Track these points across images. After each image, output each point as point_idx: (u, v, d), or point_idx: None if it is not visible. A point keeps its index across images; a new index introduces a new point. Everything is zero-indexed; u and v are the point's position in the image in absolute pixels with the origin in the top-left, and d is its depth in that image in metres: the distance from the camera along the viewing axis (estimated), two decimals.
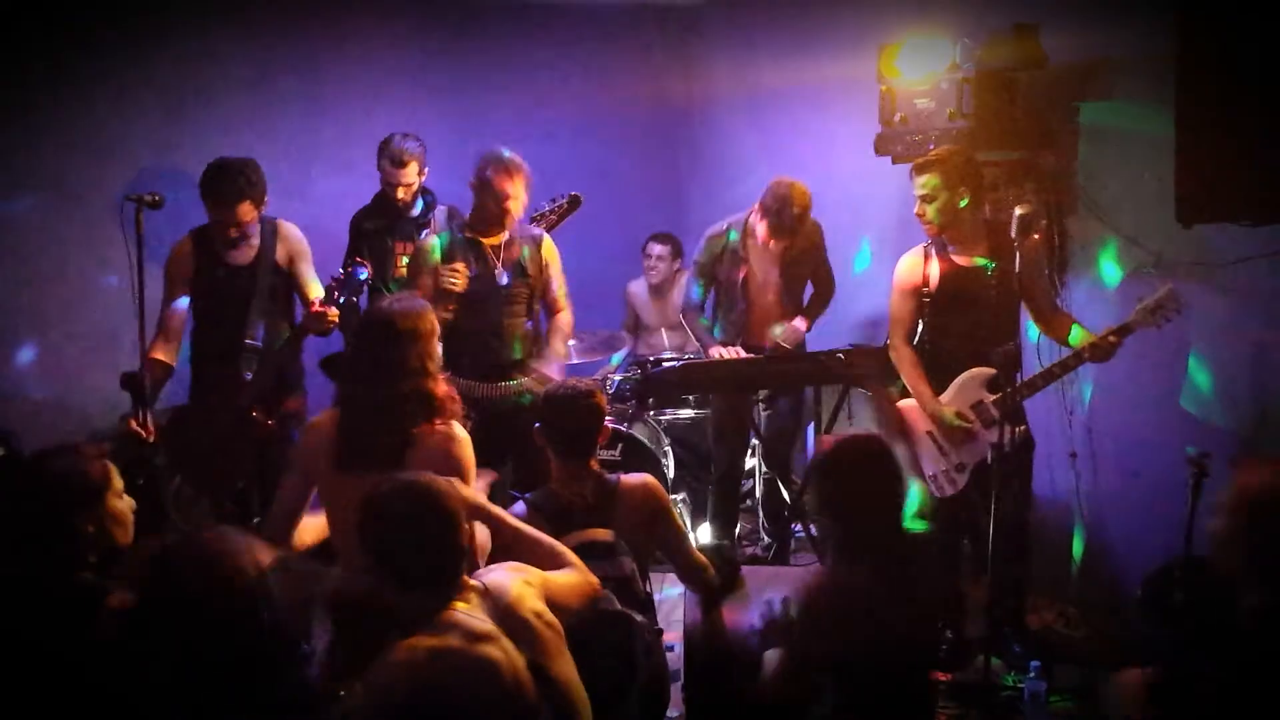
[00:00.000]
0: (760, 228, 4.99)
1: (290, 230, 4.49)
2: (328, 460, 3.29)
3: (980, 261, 4.27)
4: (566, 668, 2.66)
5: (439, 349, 3.47)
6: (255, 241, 4.42)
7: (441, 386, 3.39)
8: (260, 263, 4.40)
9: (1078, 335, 4.21)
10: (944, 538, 4.26)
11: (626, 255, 6.68)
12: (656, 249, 6.48)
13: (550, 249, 4.69)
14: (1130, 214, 4.47)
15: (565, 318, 4.74)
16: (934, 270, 4.31)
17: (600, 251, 6.73)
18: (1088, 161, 4.66)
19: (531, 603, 2.67)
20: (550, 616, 2.69)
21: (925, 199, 4.26)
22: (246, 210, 4.31)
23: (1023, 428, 4.22)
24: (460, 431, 3.35)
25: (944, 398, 4.27)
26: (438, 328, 3.44)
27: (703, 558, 3.60)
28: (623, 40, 7.05)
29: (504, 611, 2.57)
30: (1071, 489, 4.77)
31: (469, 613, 2.50)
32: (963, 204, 4.23)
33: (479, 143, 6.50)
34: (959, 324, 4.27)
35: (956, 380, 4.26)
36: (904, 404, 4.41)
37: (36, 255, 5.39)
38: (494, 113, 6.62)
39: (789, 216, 4.89)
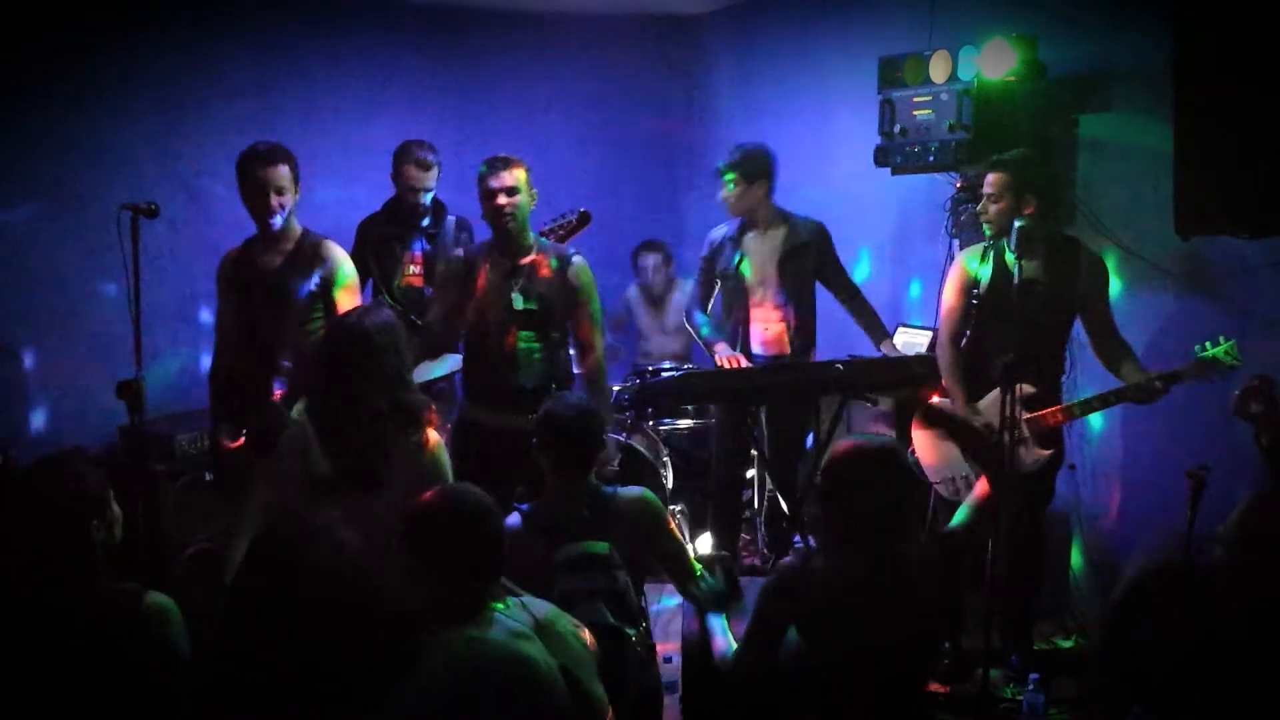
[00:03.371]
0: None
1: (333, 252, 4.29)
2: (299, 478, 3.28)
3: (1038, 270, 4.15)
4: (596, 687, 2.70)
5: (411, 358, 3.45)
6: (287, 247, 4.24)
7: (417, 395, 3.39)
8: (290, 271, 4.21)
9: (1128, 370, 4.09)
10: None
11: (626, 264, 6.68)
12: (650, 259, 6.47)
13: (583, 271, 4.43)
14: (1129, 225, 4.47)
15: (594, 363, 4.43)
16: (987, 271, 4.23)
17: (599, 260, 6.72)
18: (1086, 173, 4.66)
19: (566, 623, 2.74)
20: (585, 637, 2.75)
21: (991, 198, 4.19)
22: (286, 174, 4.16)
23: (1050, 451, 4.15)
24: (435, 439, 3.36)
25: (980, 405, 4.21)
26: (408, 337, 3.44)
27: (700, 572, 3.58)
28: (623, 50, 7.06)
29: (540, 623, 2.65)
30: (1071, 500, 4.76)
31: (506, 613, 2.60)
32: (1027, 211, 4.13)
33: (478, 152, 6.56)
34: (1003, 331, 4.15)
35: (993, 393, 4.10)
36: (936, 402, 4.36)
37: (34, 263, 5.39)
38: (493, 122, 6.63)
39: (742, 156, 4.98)
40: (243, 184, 4.22)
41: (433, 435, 3.38)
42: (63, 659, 2.56)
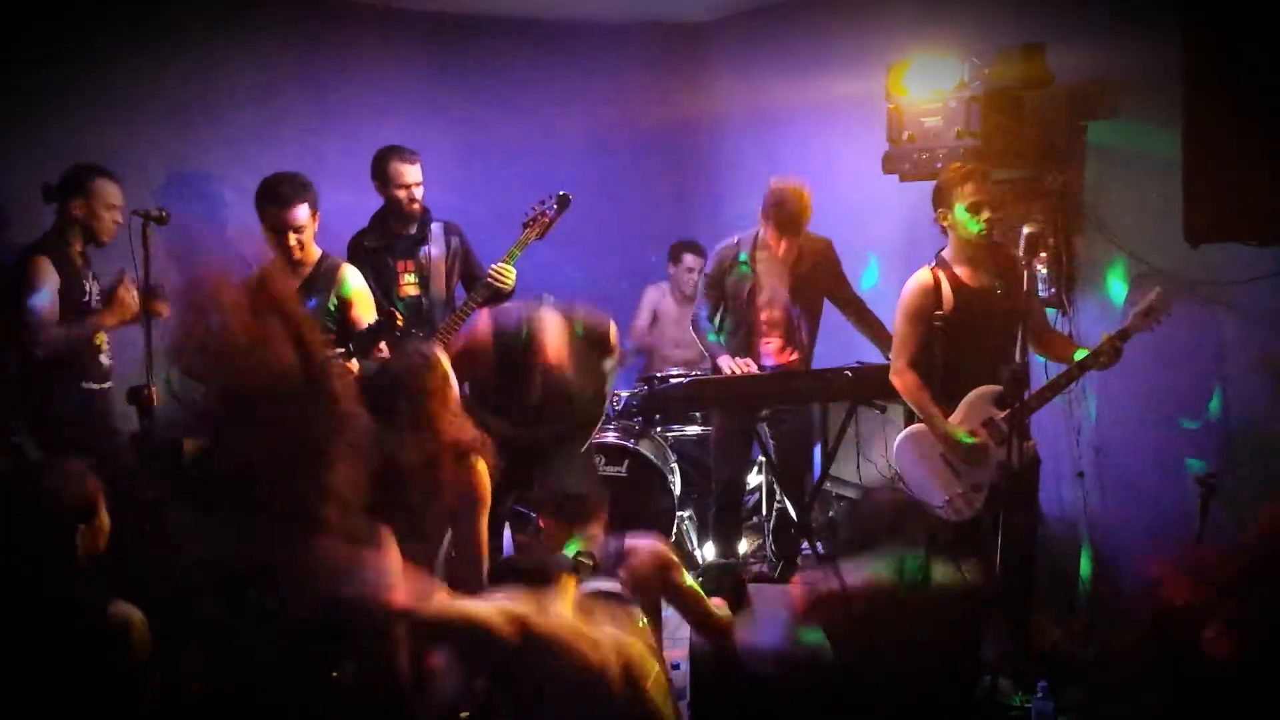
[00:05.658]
0: (768, 233, 5.02)
1: (349, 275, 4.53)
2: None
3: (989, 282, 4.29)
4: None
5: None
6: (305, 270, 4.47)
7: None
8: (308, 293, 4.39)
9: (1075, 350, 4.23)
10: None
11: (633, 270, 6.69)
12: (691, 258, 6.42)
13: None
14: (1137, 233, 4.47)
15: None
16: (946, 292, 4.30)
17: (607, 266, 6.74)
18: (1095, 180, 4.66)
19: None
20: None
21: (984, 204, 4.20)
22: (304, 213, 4.40)
23: (1031, 443, 4.22)
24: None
25: (953, 418, 4.26)
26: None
27: (714, 609, 3.55)
28: (630, 56, 7.07)
29: None
30: (1079, 508, 4.76)
31: None
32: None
33: (485, 158, 6.60)
34: (971, 345, 4.25)
35: (965, 400, 4.25)
36: (913, 428, 4.39)
37: None
38: (499, 128, 6.64)
39: (789, 209, 4.94)
40: (261, 219, 4.43)
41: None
42: (24, 657, 2.59)
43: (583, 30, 6.93)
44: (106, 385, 4.71)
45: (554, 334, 4.32)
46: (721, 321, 5.28)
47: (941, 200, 4.30)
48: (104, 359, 4.72)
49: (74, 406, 4.58)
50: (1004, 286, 4.25)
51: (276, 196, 4.39)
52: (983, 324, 4.25)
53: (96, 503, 2.81)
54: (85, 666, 2.62)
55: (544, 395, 4.46)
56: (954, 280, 4.30)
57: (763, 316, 5.16)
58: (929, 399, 4.29)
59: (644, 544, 3.45)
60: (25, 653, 2.61)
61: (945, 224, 4.32)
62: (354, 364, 4.27)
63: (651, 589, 3.39)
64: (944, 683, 3.05)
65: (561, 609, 2.91)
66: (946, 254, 4.36)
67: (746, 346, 5.17)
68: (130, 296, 4.44)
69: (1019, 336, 4.27)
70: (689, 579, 3.54)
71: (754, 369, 5.07)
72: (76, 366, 4.59)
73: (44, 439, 4.42)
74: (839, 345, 5.39)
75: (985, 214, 4.21)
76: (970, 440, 4.20)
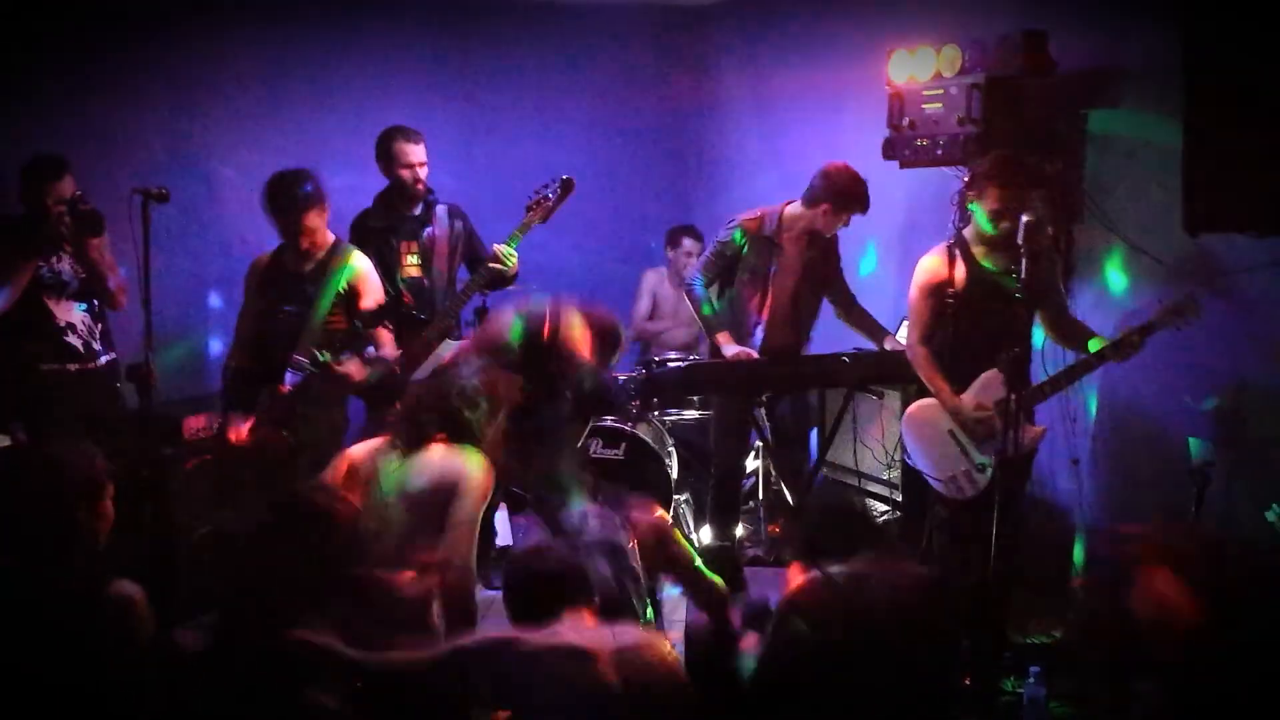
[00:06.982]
0: (823, 214, 5.00)
1: (358, 262, 4.57)
2: None
3: (1005, 265, 4.23)
4: None
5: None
6: (318, 255, 4.51)
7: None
8: (317, 277, 4.48)
9: (1093, 340, 4.19)
10: (958, 546, 4.24)
11: (634, 254, 6.69)
12: (689, 243, 6.42)
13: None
14: (1137, 222, 4.48)
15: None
16: (960, 271, 4.28)
17: (608, 251, 6.75)
18: (1095, 169, 4.66)
19: None
20: None
21: (1004, 215, 4.18)
22: (311, 219, 4.44)
23: (1041, 429, 4.22)
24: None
25: (967, 395, 4.23)
26: None
27: (711, 576, 3.57)
28: (631, 41, 7.06)
29: None
30: (1074, 496, 4.78)
31: None
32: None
33: (487, 141, 6.60)
34: (981, 326, 4.21)
35: (979, 379, 4.21)
36: (923, 403, 4.38)
37: None
38: (502, 112, 6.64)
39: (865, 189, 4.95)
40: (272, 222, 4.48)
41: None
42: (20, 636, 2.60)
43: (585, 13, 6.91)
44: (84, 366, 4.74)
45: (573, 328, 4.33)
46: (721, 296, 5.26)
47: (972, 186, 4.26)
48: (74, 339, 4.73)
49: (32, 388, 4.64)
50: (1020, 271, 4.20)
51: (280, 204, 4.43)
52: (994, 306, 4.19)
53: (104, 484, 2.80)
54: (87, 646, 2.62)
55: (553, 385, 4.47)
56: (969, 260, 4.27)
57: (770, 299, 5.16)
58: (940, 374, 4.27)
59: (644, 515, 3.49)
60: (23, 632, 2.61)
61: (969, 208, 4.31)
62: (358, 367, 4.32)
63: (651, 559, 3.43)
64: (925, 672, 3.05)
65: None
66: (968, 233, 4.32)
67: (745, 328, 5.16)
68: (61, 223, 4.51)
69: (1033, 322, 4.26)
70: (688, 548, 3.56)
71: (755, 357, 5.06)
72: (31, 347, 4.65)
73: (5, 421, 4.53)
74: (837, 330, 5.40)
75: (1003, 224, 4.19)
76: (976, 415, 4.16)
